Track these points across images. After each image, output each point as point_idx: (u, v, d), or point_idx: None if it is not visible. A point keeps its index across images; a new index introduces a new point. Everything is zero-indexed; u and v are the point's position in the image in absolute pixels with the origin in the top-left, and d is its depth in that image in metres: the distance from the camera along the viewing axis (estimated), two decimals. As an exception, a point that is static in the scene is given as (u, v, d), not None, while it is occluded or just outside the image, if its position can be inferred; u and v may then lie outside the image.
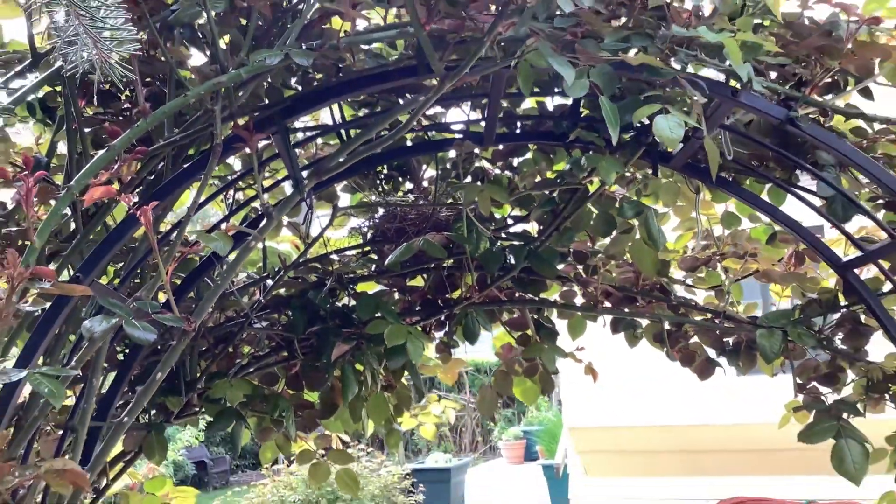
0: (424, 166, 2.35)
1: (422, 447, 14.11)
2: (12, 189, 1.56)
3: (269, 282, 2.05)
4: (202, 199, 1.63)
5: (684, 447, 6.86)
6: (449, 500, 9.08)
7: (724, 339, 2.18)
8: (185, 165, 1.65)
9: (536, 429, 11.17)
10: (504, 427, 13.10)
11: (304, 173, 1.72)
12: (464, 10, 1.37)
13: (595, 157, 1.76)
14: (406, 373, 2.32)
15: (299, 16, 1.62)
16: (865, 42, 1.75)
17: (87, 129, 1.75)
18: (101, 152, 1.49)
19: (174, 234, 1.54)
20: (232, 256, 1.73)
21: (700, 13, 1.53)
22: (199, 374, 2.06)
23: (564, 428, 7.88)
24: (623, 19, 1.50)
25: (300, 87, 1.76)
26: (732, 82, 1.54)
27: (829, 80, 1.71)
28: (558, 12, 1.45)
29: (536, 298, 2.18)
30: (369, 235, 2.23)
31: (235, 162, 2.27)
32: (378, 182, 2.32)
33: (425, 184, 2.36)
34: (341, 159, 1.61)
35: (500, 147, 2.17)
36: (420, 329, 2.26)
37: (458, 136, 2.05)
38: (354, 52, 1.64)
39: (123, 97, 1.80)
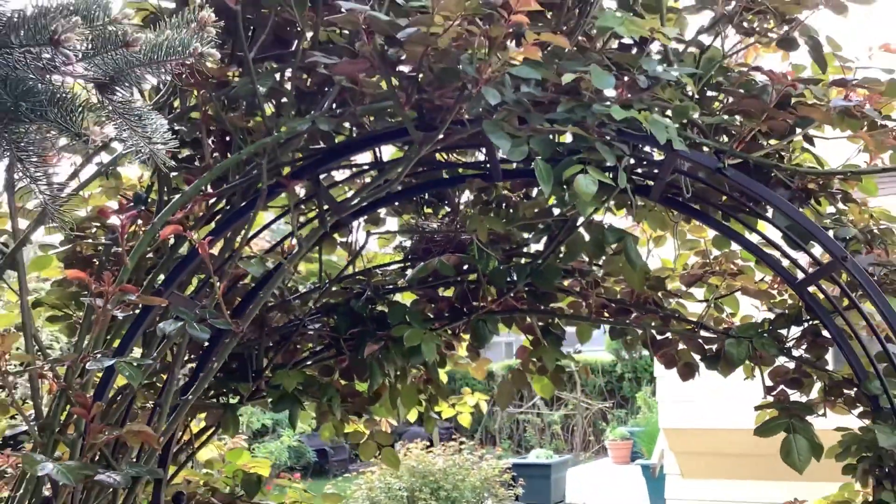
0: (458, 193, 2.80)
1: (534, 444, 14.49)
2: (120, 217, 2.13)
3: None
4: (255, 230, 2.15)
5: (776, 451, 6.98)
6: (549, 495, 9.46)
7: (707, 347, 2.53)
8: (243, 204, 2.16)
9: (641, 430, 11.39)
10: (614, 427, 13.35)
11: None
12: (431, 95, 1.81)
13: (574, 195, 2.16)
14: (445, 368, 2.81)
15: (329, 87, 2.11)
16: (803, 102, 2.09)
17: (173, 174, 2.30)
18: (176, 197, 2.04)
19: (228, 262, 2.06)
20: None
21: (638, 86, 1.91)
22: (265, 366, 2.59)
23: (660, 429, 8.11)
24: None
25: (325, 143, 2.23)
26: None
27: (755, 134, 2.05)
28: (524, 88, 1.88)
29: (544, 308, 2.60)
30: (408, 254, 2.71)
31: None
32: (419, 207, 2.79)
33: (462, 207, 2.82)
34: (355, 201, 2.09)
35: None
36: (449, 332, 2.73)
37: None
38: (368, 116, 2.11)
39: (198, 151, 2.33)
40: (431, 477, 8.52)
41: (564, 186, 1.91)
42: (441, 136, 1.88)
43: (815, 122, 2.03)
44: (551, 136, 1.82)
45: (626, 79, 1.91)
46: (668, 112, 1.97)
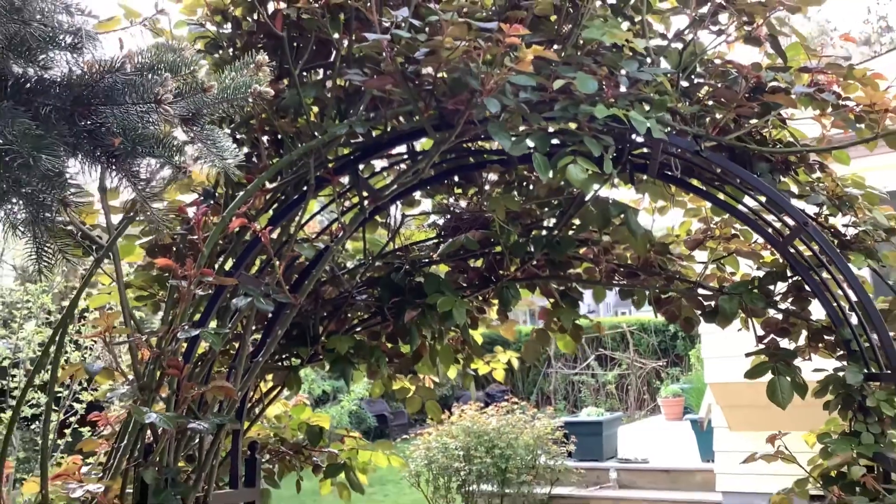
0: (484, 175, 3.19)
1: (589, 404, 14.88)
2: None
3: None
4: (306, 217, 2.58)
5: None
6: (601, 451, 9.85)
7: (706, 303, 2.90)
8: (295, 196, 2.59)
9: (692, 386, 11.72)
10: (667, 385, 13.68)
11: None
12: (445, 102, 2.21)
13: (609, 164, 2.52)
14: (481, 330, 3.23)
15: (362, 94, 2.52)
16: (777, 88, 2.44)
17: (238, 171, 2.73)
18: (240, 193, 2.47)
19: (285, 246, 2.49)
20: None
21: (629, 84, 2.28)
22: (321, 333, 3.03)
23: (706, 384, 8.44)
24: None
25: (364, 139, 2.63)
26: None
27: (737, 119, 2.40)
28: (522, 94, 2.26)
29: (561, 274, 2.99)
30: (440, 231, 3.12)
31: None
32: (451, 189, 3.20)
33: (488, 187, 3.21)
34: (390, 189, 2.50)
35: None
36: (480, 298, 3.14)
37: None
38: (395, 118, 2.51)
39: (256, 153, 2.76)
40: (486, 436, 8.97)
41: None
42: (459, 133, 2.28)
43: (783, 105, 2.37)
44: (548, 131, 2.20)
45: (614, 78, 2.27)
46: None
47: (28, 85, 1.46)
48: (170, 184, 2.25)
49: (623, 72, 2.24)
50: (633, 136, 2.40)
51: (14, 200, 1.36)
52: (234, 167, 1.88)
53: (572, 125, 2.19)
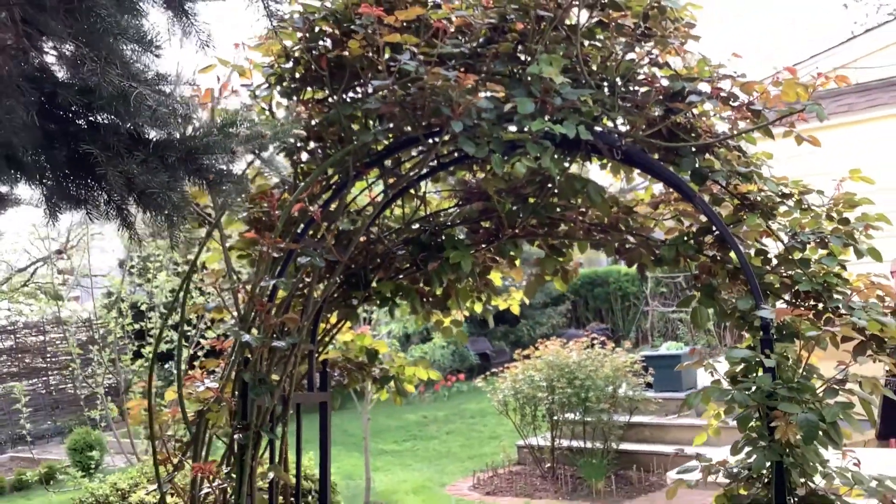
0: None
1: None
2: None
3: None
4: (348, 199, 3.77)
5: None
6: (680, 383, 10.82)
7: (657, 252, 3.92)
8: (342, 183, 3.77)
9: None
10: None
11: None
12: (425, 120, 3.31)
13: (548, 159, 3.59)
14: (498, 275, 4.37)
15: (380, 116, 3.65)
16: (692, 91, 3.43)
17: (300, 168, 3.92)
18: (302, 184, 3.67)
19: (333, 222, 3.68)
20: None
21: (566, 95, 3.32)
22: (371, 280, 4.22)
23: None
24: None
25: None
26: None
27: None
28: (484, 115, 3.34)
29: (548, 232, 4.07)
30: (458, 201, 4.25)
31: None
32: (470, 168, 4.30)
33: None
34: (411, 173, 3.65)
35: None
36: (492, 251, 4.25)
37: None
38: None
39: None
40: (567, 369, 10.08)
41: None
42: (444, 141, 3.39)
43: (686, 108, 3.36)
44: (503, 138, 3.28)
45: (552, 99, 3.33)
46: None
47: (161, 143, 2.67)
48: (241, 192, 3.44)
49: (559, 95, 3.29)
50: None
51: (155, 214, 2.58)
52: (287, 175, 3.07)
53: (524, 136, 3.26)
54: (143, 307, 8.42)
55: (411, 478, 10.58)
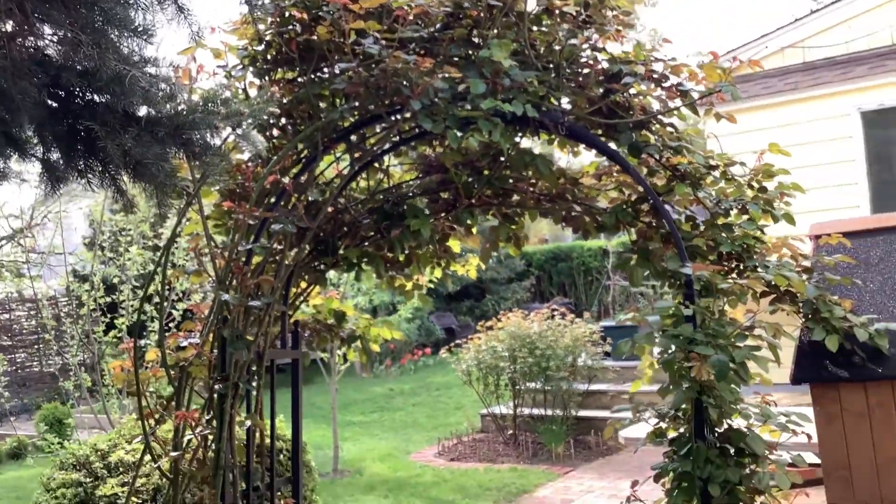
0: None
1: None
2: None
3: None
4: (318, 172, 4.17)
5: None
6: (638, 352, 11.36)
7: (600, 219, 4.37)
8: (310, 157, 4.16)
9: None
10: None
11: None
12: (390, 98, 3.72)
13: (497, 134, 4.01)
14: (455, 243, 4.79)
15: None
16: (631, 73, 3.86)
17: (272, 143, 4.31)
18: (274, 158, 4.06)
19: (303, 193, 4.08)
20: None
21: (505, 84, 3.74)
22: (339, 247, 4.63)
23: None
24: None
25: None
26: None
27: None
28: (440, 94, 3.75)
29: (501, 202, 4.50)
30: (419, 173, 4.66)
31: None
32: (430, 143, 4.71)
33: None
34: (376, 149, 4.05)
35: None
36: (450, 220, 4.68)
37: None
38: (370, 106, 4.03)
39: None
40: (528, 339, 10.58)
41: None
42: (405, 119, 3.80)
43: (623, 88, 3.80)
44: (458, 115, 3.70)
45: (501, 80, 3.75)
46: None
47: (151, 120, 3.06)
48: (222, 164, 3.82)
49: (507, 76, 3.71)
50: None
51: (148, 184, 2.97)
52: (262, 149, 3.47)
53: (476, 113, 3.67)
54: (116, 280, 8.79)
55: (378, 446, 11.04)
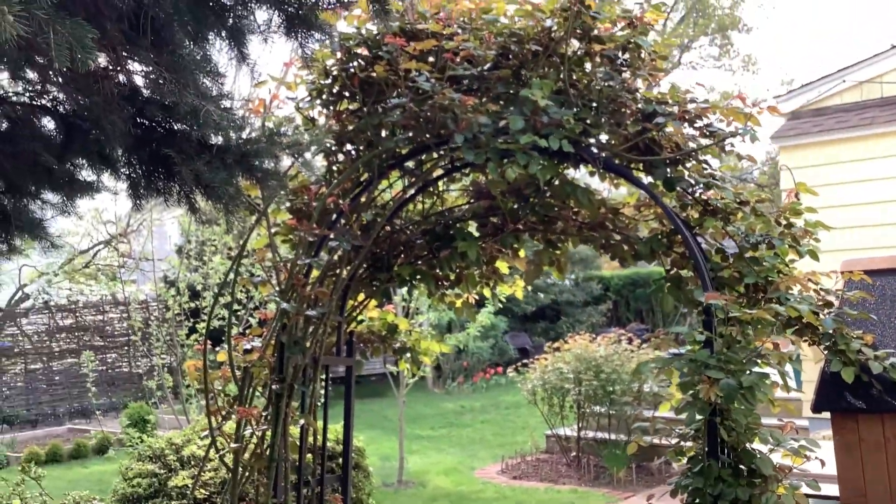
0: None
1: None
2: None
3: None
4: (376, 194, 4.62)
5: None
6: (706, 380, 11.49)
7: (636, 248, 4.69)
8: (366, 181, 4.61)
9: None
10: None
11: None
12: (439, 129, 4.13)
13: (534, 166, 4.37)
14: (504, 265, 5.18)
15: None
16: (664, 112, 4.21)
17: (335, 167, 4.77)
18: (335, 181, 4.52)
19: (356, 213, 4.53)
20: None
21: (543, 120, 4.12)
22: (394, 265, 5.06)
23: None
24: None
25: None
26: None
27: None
28: (483, 129, 4.15)
29: (546, 228, 4.87)
30: (470, 198, 5.07)
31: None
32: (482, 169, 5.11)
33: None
34: (432, 174, 4.47)
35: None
36: (496, 244, 5.06)
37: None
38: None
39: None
40: (594, 362, 10.84)
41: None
42: (452, 149, 4.22)
43: (652, 130, 4.13)
44: (499, 147, 4.09)
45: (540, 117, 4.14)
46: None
47: (221, 148, 3.54)
48: (281, 188, 4.28)
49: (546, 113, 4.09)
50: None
51: (216, 203, 3.45)
52: (319, 173, 3.93)
53: (515, 146, 4.07)
54: (199, 287, 9.46)
55: (444, 461, 11.43)
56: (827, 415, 4.36)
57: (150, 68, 3.38)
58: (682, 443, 4.11)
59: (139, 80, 3.51)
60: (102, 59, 3.32)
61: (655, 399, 10.84)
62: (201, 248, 9.92)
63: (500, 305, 7.57)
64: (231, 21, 3.13)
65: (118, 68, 3.26)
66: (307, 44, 3.23)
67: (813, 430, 9.73)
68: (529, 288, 5.31)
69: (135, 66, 3.53)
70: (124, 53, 3.37)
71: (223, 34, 3.15)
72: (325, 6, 3.04)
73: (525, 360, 11.90)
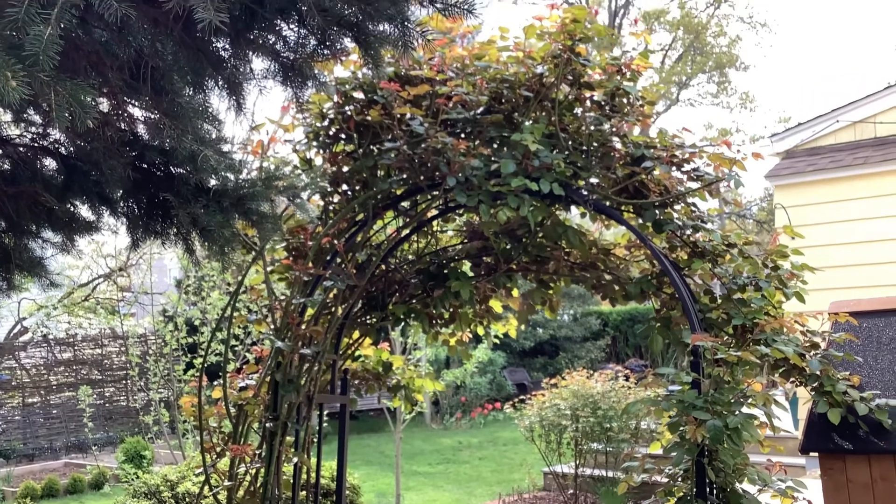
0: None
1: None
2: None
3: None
4: (371, 234, 4.71)
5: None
6: (703, 418, 11.53)
7: (627, 288, 4.78)
8: (361, 221, 4.71)
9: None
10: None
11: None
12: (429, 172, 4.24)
13: (525, 209, 4.47)
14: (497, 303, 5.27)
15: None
16: (653, 157, 4.31)
17: (331, 207, 4.88)
18: (330, 221, 4.62)
19: (351, 253, 4.62)
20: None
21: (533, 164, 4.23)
22: (388, 303, 5.15)
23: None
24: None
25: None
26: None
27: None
28: (475, 172, 4.26)
29: (538, 268, 4.96)
30: (463, 238, 5.16)
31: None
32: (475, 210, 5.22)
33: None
34: (426, 215, 4.57)
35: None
36: (489, 283, 5.15)
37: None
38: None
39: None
40: (591, 399, 10.87)
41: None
42: (443, 191, 4.32)
43: (646, 170, 4.24)
44: (490, 189, 4.19)
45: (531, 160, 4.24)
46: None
47: (218, 191, 3.64)
48: (273, 234, 4.38)
49: (536, 157, 4.20)
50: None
51: (214, 247, 3.55)
52: (313, 215, 4.03)
53: (506, 188, 4.17)
54: (197, 322, 9.54)
55: (440, 498, 11.43)
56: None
57: (151, 114, 3.50)
58: (672, 482, 4.17)
59: (139, 126, 3.63)
60: (104, 105, 3.44)
61: (652, 436, 10.86)
62: (200, 284, 10.03)
63: (496, 342, 7.65)
64: (228, 70, 3.24)
65: (119, 114, 3.37)
66: (302, 93, 3.34)
67: (809, 468, 9.75)
68: (524, 326, 5.37)
69: (135, 112, 3.65)
70: (125, 99, 3.49)
71: (220, 83, 3.26)
72: (319, 58, 3.14)
73: (523, 396, 11.93)
